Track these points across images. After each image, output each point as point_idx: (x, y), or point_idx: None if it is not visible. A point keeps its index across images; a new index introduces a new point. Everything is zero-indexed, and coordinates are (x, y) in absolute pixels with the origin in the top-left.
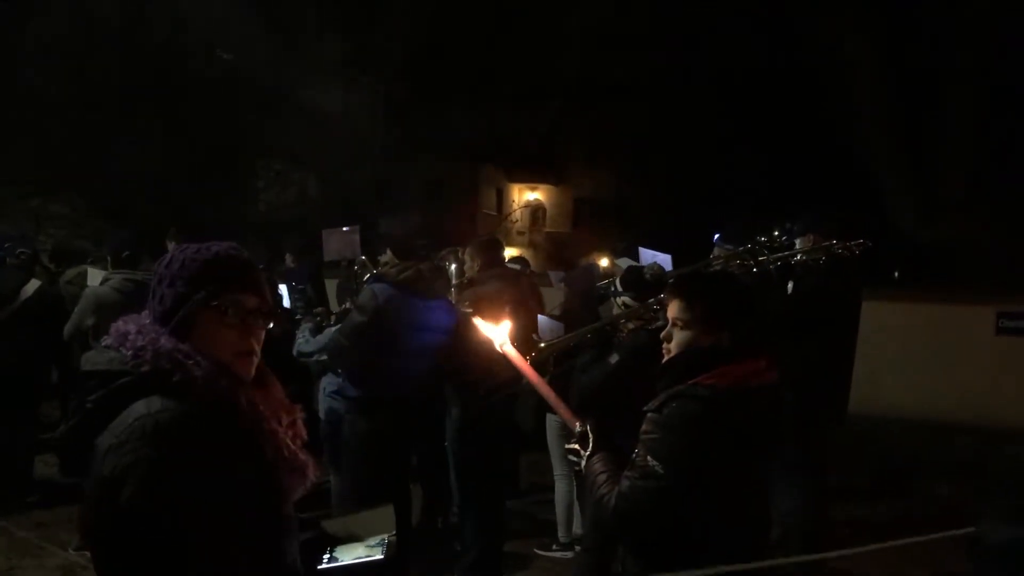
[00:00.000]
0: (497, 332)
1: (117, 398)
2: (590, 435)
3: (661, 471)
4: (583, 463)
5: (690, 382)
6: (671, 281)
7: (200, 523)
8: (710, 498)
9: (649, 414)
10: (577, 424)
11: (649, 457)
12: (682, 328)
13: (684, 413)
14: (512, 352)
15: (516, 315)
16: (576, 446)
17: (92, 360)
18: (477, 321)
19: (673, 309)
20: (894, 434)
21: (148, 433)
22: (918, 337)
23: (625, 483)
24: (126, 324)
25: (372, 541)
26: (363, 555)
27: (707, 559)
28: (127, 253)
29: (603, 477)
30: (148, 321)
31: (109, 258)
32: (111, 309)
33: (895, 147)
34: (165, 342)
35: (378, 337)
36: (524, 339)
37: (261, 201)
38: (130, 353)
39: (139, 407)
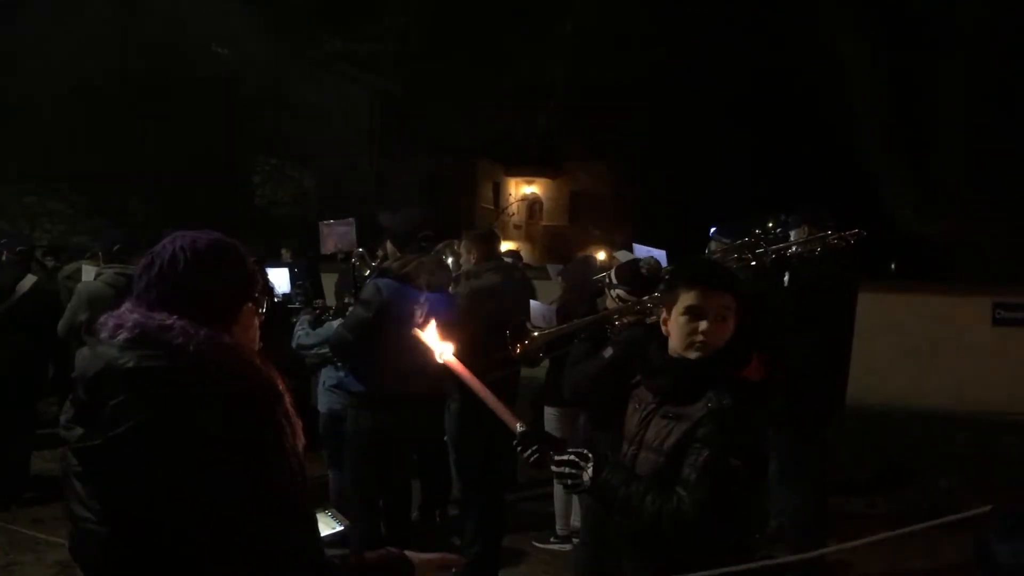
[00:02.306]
0: (438, 343)
1: (165, 393)
2: (533, 436)
3: (745, 469)
4: (586, 475)
5: (733, 376)
6: (715, 273)
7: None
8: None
9: (714, 414)
10: (518, 425)
11: (731, 458)
12: (726, 319)
13: (752, 410)
14: (454, 362)
15: (511, 307)
16: (570, 458)
17: (103, 355)
18: (419, 333)
19: (718, 299)
20: (892, 426)
21: (222, 424)
22: (915, 328)
23: (703, 489)
24: (148, 319)
25: (326, 528)
26: (326, 531)
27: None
28: (118, 247)
29: (636, 488)
30: (174, 316)
31: (100, 253)
32: (104, 304)
33: (892, 142)
34: (208, 335)
35: (383, 332)
36: (517, 329)
37: (258, 197)
38: (178, 342)
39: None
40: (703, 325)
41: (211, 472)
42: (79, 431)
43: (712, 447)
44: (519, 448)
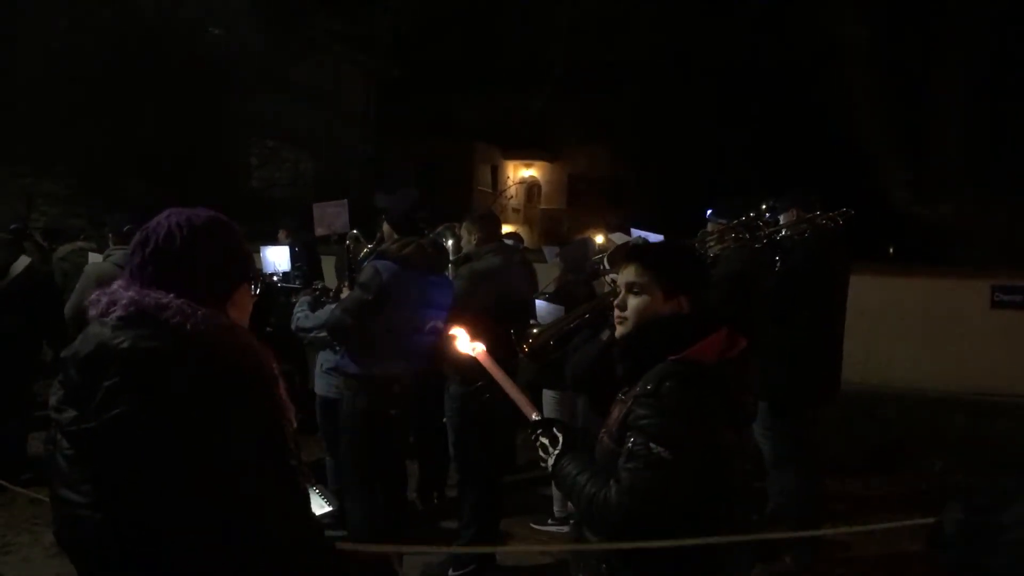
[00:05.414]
0: (468, 341)
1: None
2: (554, 428)
3: (669, 457)
4: (550, 461)
5: (674, 358)
6: (622, 247)
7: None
8: (714, 478)
9: (640, 397)
10: (533, 414)
11: (652, 444)
12: (638, 293)
13: (684, 393)
14: (484, 355)
15: (511, 290)
16: (545, 441)
17: (96, 335)
18: (448, 329)
19: (628, 274)
20: (889, 408)
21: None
22: (913, 311)
23: (626, 476)
24: (144, 297)
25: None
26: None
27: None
28: (128, 227)
29: (584, 477)
30: (171, 295)
31: (111, 234)
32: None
33: (891, 124)
34: (206, 314)
35: (381, 314)
36: (520, 318)
37: (255, 179)
38: (176, 321)
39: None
40: (616, 300)
41: (209, 456)
42: (71, 413)
43: (637, 433)
44: (532, 437)
